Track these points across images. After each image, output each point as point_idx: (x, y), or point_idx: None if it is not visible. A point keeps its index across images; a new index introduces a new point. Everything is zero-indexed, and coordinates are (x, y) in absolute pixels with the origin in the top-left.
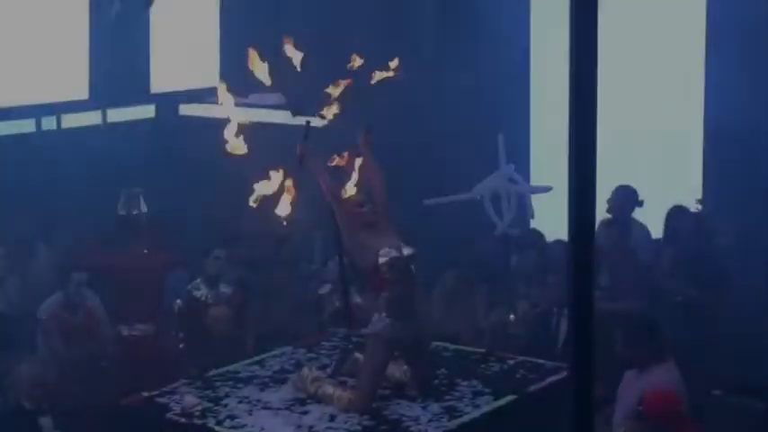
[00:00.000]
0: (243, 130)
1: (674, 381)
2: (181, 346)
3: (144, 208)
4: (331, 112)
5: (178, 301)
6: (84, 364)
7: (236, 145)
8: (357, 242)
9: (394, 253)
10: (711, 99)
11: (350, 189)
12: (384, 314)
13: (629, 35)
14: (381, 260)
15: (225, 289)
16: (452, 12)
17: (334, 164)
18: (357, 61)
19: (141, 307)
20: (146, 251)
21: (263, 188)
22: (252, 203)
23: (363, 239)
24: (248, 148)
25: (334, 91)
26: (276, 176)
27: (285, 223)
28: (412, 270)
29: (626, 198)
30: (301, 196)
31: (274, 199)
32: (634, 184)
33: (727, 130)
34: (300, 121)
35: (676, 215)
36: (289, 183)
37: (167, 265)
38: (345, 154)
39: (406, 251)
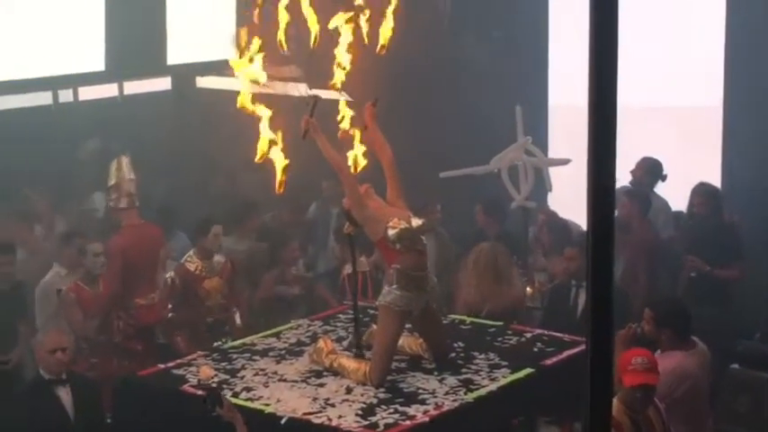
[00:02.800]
0: (257, 96)
1: (679, 370)
2: (170, 315)
3: (131, 175)
4: (338, 79)
5: (171, 273)
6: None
7: (245, 100)
8: (367, 215)
9: (403, 224)
10: (733, 74)
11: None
12: (394, 286)
13: (650, 7)
14: (390, 232)
15: (218, 258)
16: None
17: (341, 136)
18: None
19: (150, 276)
20: (142, 221)
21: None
22: (257, 160)
23: (373, 212)
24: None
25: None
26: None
27: (280, 190)
28: (422, 241)
29: (650, 169)
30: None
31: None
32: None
33: (748, 105)
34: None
35: (699, 191)
36: (280, 152)
37: (163, 234)
38: (349, 126)
39: (415, 222)
